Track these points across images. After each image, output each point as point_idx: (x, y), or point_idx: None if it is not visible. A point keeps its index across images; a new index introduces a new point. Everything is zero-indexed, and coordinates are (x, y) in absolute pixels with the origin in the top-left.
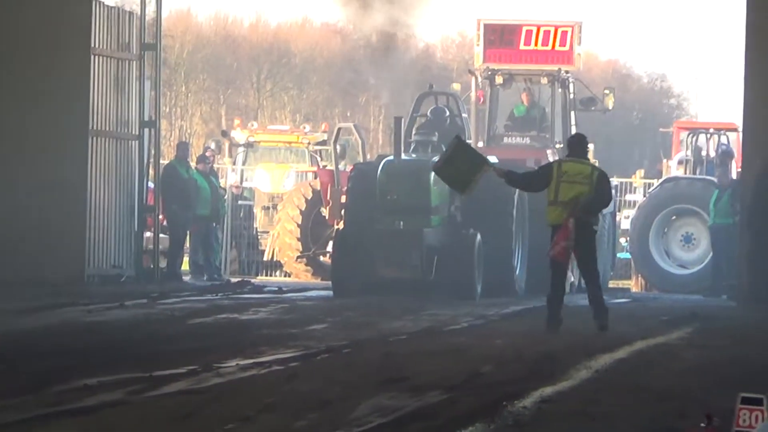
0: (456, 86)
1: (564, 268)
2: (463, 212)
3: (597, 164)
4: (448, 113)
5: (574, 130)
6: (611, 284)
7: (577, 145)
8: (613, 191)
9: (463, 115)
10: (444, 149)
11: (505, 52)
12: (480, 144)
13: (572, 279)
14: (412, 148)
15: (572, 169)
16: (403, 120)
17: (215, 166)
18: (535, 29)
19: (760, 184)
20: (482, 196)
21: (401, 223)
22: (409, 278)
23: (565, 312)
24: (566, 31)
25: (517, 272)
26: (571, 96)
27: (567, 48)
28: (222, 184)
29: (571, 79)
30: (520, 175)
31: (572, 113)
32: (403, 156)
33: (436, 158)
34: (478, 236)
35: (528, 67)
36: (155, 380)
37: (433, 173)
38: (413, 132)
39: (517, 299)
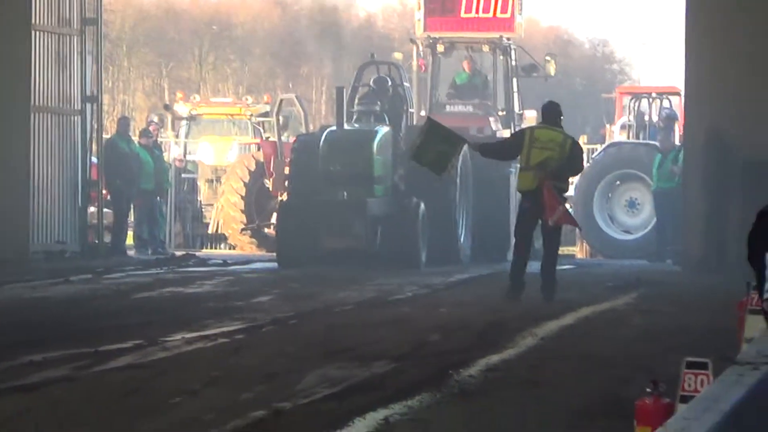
0: (398, 55)
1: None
2: (406, 181)
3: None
4: (390, 83)
5: (516, 98)
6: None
7: (549, 112)
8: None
9: (405, 84)
10: (386, 118)
11: (447, 20)
12: (422, 112)
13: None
14: (354, 118)
15: (544, 135)
16: (345, 90)
17: (159, 139)
18: None
19: (709, 149)
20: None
21: (345, 193)
22: (353, 248)
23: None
24: None
25: (462, 241)
26: (513, 63)
27: (508, 15)
28: (165, 158)
29: (512, 47)
30: (493, 145)
31: (514, 80)
32: (346, 126)
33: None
34: (422, 205)
35: (469, 35)
36: (101, 355)
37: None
38: (356, 102)
39: (462, 267)
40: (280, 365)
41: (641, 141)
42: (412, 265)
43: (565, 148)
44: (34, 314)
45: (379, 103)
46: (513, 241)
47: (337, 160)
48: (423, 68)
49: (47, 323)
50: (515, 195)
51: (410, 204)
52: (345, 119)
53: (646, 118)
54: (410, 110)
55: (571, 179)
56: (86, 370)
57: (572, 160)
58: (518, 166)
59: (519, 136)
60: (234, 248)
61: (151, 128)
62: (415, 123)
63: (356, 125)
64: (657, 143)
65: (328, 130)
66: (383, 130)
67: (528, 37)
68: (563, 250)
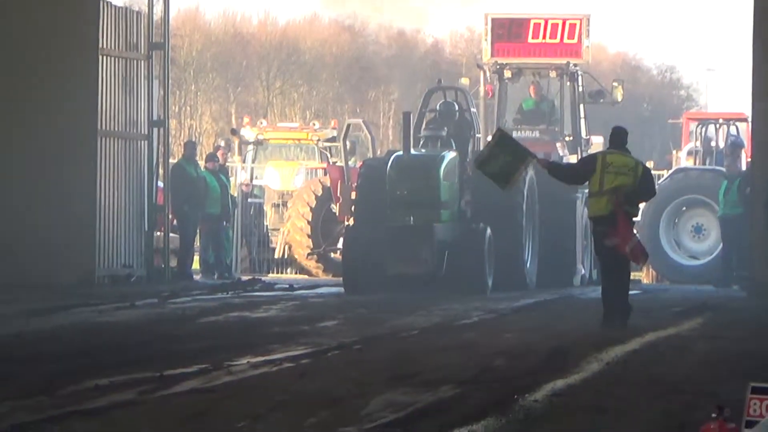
0: (465, 81)
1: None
2: (473, 207)
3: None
4: (457, 108)
5: (583, 123)
6: None
7: (618, 137)
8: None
9: (472, 109)
10: (452, 144)
11: (514, 46)
12: (489, 138)
13: (583, 271)
14: (421, 143)
15: (617, 160)
16: (412, 115)
17: (226, 164)
18: (543, 22)
19: None
20: (492, 191)
21: (411, 218)
22: (419, 273)
23: (576, 304)
24: (574, 24)
25: (528, 266)
26: (580, 89)
27: (575, 41)
28: (232, 183)
29: (579, 72)
30: (563, 167)
31: (581, 106)
32: (413, 151)
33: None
34: (488, 230)
35: (536, 61)
36: (166, 380)
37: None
38: (422, 127)
39: (527, 293)
40: (346, 390)
41: (708, 167)
42: (478, 290)
43: (637, 173)
44: (99, 338)
45: (445, 128)
46: (578, 266)
47: (404, 185)
48: (490, 94)
49: (113, 347)
50: (581, 220)
51: (477, 229)
52: (412, 144)
53: (713, 144)
54: (477, 135)
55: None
56: (152, 394)
57: (645, 185)
58: (585, 191)
59: (590, 161)
60: (300, 273)
61: (218, 153)
62: (481, 148)
63: (423, 150)
64: (723, 169)
65: (394, 155)
66: (450, 155)
67: (595, 62)
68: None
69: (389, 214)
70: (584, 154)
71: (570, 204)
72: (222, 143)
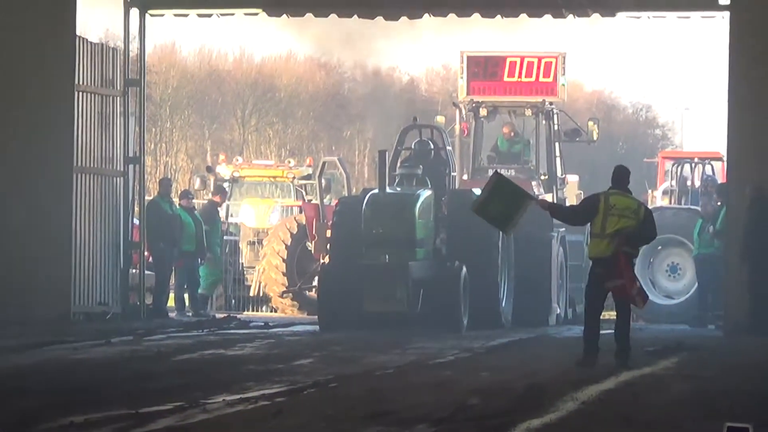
0: (440, 119)
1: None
2: (448, 245)
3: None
4: (432, 146)
5: (559, 162)
6: None
7: (620, 177)
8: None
9: (448, 147)
10: (428, 182)
11: (489, 84)
12: (464, 176)
13: (558, 310)
14: (396, 181)
15: (620, 202)
16: (387, 153)
17: (200, 201)
18: (518, 61)
19: (752, 215)
20: (467, 229)
21: (386, 256)
22: (395, 312)
23: (552, 343)
24: (550, 63)
25: (503, 304)
26: (556, 127)
27: (551, 79)
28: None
29: (555, 111)
30: (565, 208)
31: (557, 144)
32: (388, 189)
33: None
34: (464, 269)
35: (512, 99)
36: (142, 417)
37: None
38: (398, 165)
39: (503, 331)
40: (321, 428)
41: (683, 206)
42: (453, 328)
43: (639, 215)
44: (74, 376)
45: (421, 166)
46: (553, 305)
47: (379, 224)
48: (465, 132)
49: (88, 385)
50: (557, 259)
51: (452, 267)
52: (387, 182)
53: (689, 183)
54: (452, 174)
55: None
56: (127, 431)
57: (647, 227)
58: (561, 229)
59: (593, 201)
60: (276, 311)
61: (196, 187)
62: (457, 186)
63: (398, 188)
64: (699, 209)
65: (370, 193)
66: (425, 193)
67: (571, 100)
68: (604, 315)
69: (365, 252)
70: (559, 193)
71: (545, 243)
72: (197, 181)
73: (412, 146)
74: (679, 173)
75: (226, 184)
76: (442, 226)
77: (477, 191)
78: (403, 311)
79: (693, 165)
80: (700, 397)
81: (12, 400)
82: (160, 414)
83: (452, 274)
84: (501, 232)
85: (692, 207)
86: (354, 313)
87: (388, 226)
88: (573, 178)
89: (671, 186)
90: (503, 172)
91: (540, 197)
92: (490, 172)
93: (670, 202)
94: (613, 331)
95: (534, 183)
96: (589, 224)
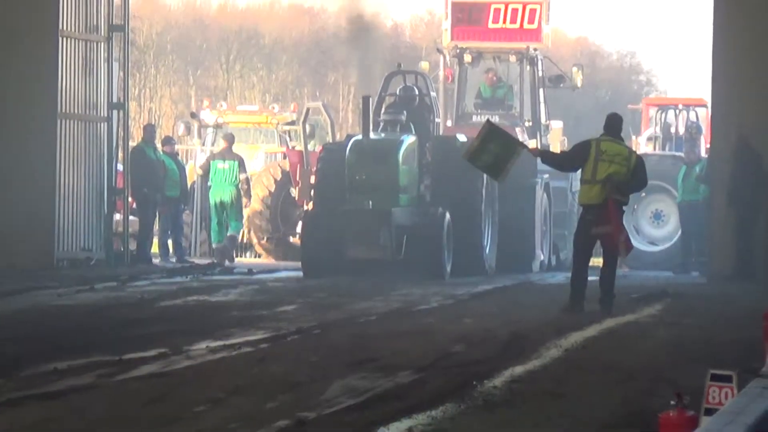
0: (424, 65)
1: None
2: (432, 192)
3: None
4: (417, 92)
5: (543, 108)
6: None
7: (613, 125)
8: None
9: (432, 94)
10: (412, 128)
11: (473, 30)
12: (449, 122)
13: (542, 257)
14: (380, 127)
15: (611, 148)
16: (371, 99)
17: (185, 147)
18: (503, 7)
19: (738, 161)
20: (451, 175)
21: (370, 202)
22: (378, 258)
23: (536, 290)
24: (534, 9)
25: (487, 251)
26: (540, 74)
27: (535, 26)
28: (191, 166)
29: (539, 57)
30: (555, 154)
31: (541, 91)
32: (372, 135)
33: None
34: (447, 215)
35: (496, 45)
36: (125, 364)
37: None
38: (382, 111)
39: (486, 278)
40: (305, 375)
41: (667, 153)
42: (436, 275)
43: (630, 162)
44: (58, 322)
45: (405, 112)
46: (536, 252)
47: (363, 169)
48: (449, 78)
49: (71, 331)
50: (540, 206)
51: (435, 214)
52: (371, 128)
53: (673, 129)
54: (436, 120)
55: None
56: (110, 378)
57: (637, 174)
58: (545, 176)
59: (584, 147)
60: (259, 257)
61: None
62: (441, 133)
63: (382, 134)
64: (682, 155)
65: (353, 139)
66: (409, 139)
67: (556, 47)
68: (592, 262)
69: (348, 198)
70: (543, 140)
71: (529, 190)
72: (181, 126)
73: (397, 92)
74: (663, 120)
75: (210, 130)
76: (426, 172)
77: (461, 137)
78: (386, 257)
79: (677, 111)
80: (683, 344)
81: None
82: (144, 360)
83: (436, 221)
84: (485, 179)
85: (676, 153)
86: (337, 260)
87: (371, 171)
88: (557, 125)
89: (655, 132)
90: (488, 118)
91: (525, 143)
92: (474, 119)
93: (654, 149)
94: (598, 278)
95: (518, 129)
96: (579, 170)
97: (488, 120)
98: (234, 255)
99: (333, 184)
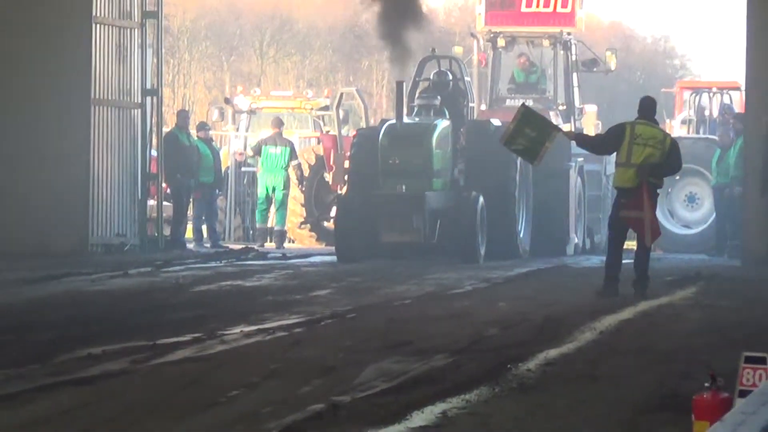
0: (458, 49)
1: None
2: (466, 176)
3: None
4: (450, 77)
5: (576, 92)
6: None
7: (647, 108)
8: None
9: (466, 78)
10: (445, 113)
11: (507, 15)
12: (483, 107)
13: (576, 240)
14: (414, 112)
15: (645, 132)
16: (405, 84)
17: (219, 133)
18: None
19: None
20: (485, 160)
21: (403, 186)
22: (412, 242)
23: (570, 273)
24: None
25: (521, 235)
26: (573, 57)
27: (569, 10)
28: (226, 152)
29: (573, 41)
30: (590, 137)
31: (574, 75)
32: (406, 120)
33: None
34: (481, 199)
35: (530, 30)
36: (159, 348)
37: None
38: (416, 96)
39: (520, 262)
40: (339, 359)
41: (701, 136)
42: (470, 259)
43: (665, 145)
44: (92, 307)
45: (439, 97)
46: (571, 236)
47: (396, 154)
48: (483, 63)
49: (106, 316)
50: (575, 189)
51: (469, 197)
52: (405, 113)
53: (707, 113)
54: (470, 105)
55: None
56: (144, 363)
57: (671, 158)
58: (579, 159)
59: (619, 130)
60: (293, 242)
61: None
62: (475, 117)
63: (416, 119)
64: (716, 138)
65: (387, 123)
66: (442, 123)
67: (590, 32)
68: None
69: (381, 182)
70: (577, 123)
71: (563, 174)
72: (216, 112)
73: (431, 77)
74: (697, 103)
75: (244, 116)
76: (460, 156)
77: (495, 122)
78: (420, 241)
79: (711, 95)
80: (717, 327)
81: (30, 331)
82: (178, 345)
83: (469, 205)
84: (519, 163)
85: (710, 137)
86: (371, 244)
87: (405, 155)
88: (591, 108)
89: (689, 116)
90: (520, 102)
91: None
92: (508, 103)
93: (688, 132)
94: (632, 261)
95: (552, 113)
96: (615, 154)
97: (523, 104)
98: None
99: (366, 169)
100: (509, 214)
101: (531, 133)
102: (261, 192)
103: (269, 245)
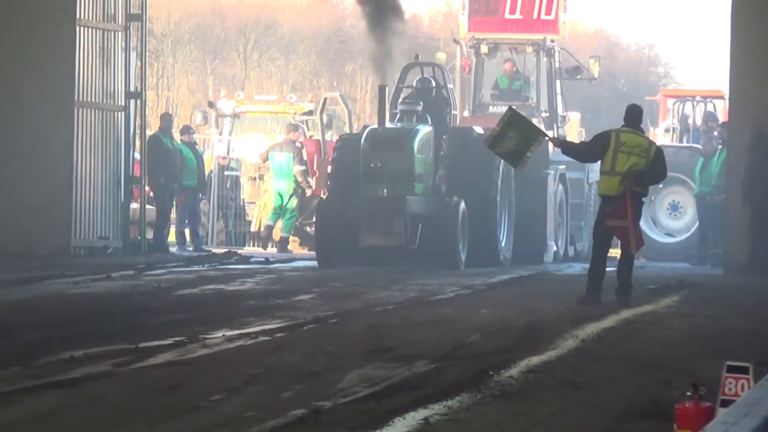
0: (441, 56)
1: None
2: (447, 181)
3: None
4: (434, 84)
5: (560, 100)
6: None
7: (633, 116)
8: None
9: (449, 85)
10: (428, 119)
11: (490, 21)
12: (465, 113)
13: (554, 248)
14: (397, 117)
15: (631, 140)
16: (387, 89)
17: (201, 136)
18: None
19: (753, 151)
20: (467, 166)
21: (384, 190)
22: (393, 246)
23: (552, 280)
24: (551, 0)
25: (503, 243)
26: (557, 65)
27: (552, 17)
28: (209, 155)
29: (556, 48)
30: (576, 145)
31: (558, 82)
32: (388, 125)
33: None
34: (462, 204)
35: (513, 36)
36: (141, 352)
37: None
38: (398, 102)
39: (502, 269)
40: (321, 364)
41: (684, 144)
42: (451, 265)
43: (650, 153)
44: (75, 310)
45: (421, 103)
46: (548, 243)
47: (378, 158)
48: (467, 69)
49: (88, 319)
50: (554, 196)
51: (450, 203)
52: (388, 119)
53: (690, 121)
54: (453, 112)
55: None
56: (127, 366)
57: (656, 166)
58: (560, 167)
59: (604, 138)
60: (276, 246)
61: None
62: (458, 124)
63: (398, 125)
64: (700, 146)
65: (369, 128)
66: (424, 128)
67: (575, 39)
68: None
69: (362, 186)
70: (560, 130)
71: (541, 181)
72: (200, 115)
73: (414, 84)
74: (680, 111)
75: (227, 119)
76: (442, 163)
77: (478, 129)
78: (401, 246)
79: (695, 103)
80: (699, 336)
81: (12, 333)
82: (160, 349)
83: (450, 210)
84: (501, 170)
85: (693, 145)
86: (351, 248)
87: (386, 159)
88: (575, 116)
89: (673, 124)
90: (503, 108)
91: None
92: (491, 109)
93: (672, 140)
94: (614, 269)
95: (535, 120)
96: (600, 162)
97: (511, 107)
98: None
99: (348, 173)
100: (491, 220)
101: (516, 136)
102: (275, 200)
103: (270, 250)
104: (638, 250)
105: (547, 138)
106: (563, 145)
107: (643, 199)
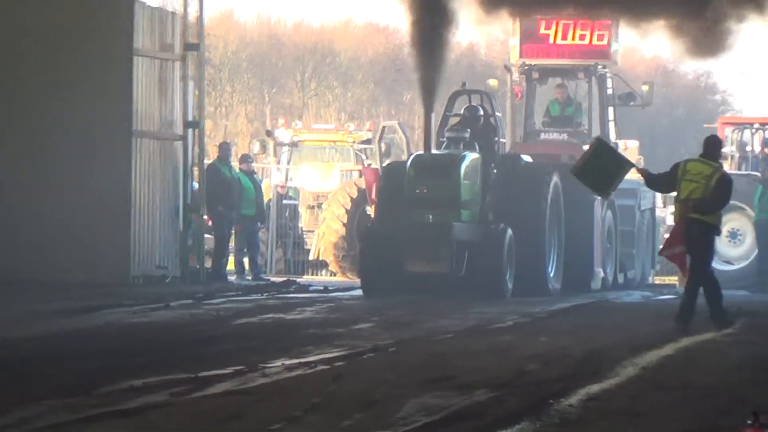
0: (493, 82)
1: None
2: (495, 210)
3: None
4: (481, 112)
5: (612, 126)
6: (657, 280)
7: (708, 146)
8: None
9: (497, 113)
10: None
11: (542, 48)
12: (518, 140)
13: (602, 275)
14: (444, 145)
15: (694, 168)
16: (435, 118)
17: (260, 165)
18: (572, 24)
19: None
20: (515, 194)
21: (430, 216)
22: (437, 272)
23: (611, 308)
24: (604, 26)
25: (552, 273)
26: (609, 91)
27: (604, 43)
28: (267, 184)
29: (608, 74)
30: (656, 176)
31: (610, 109)
32: (434, 151)
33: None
34: (509, 231)
35: (564, 63)
36: (201, 381)
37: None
38: (446, 130)
39: (553, 298)
40: (380, 393)
41: (743, 172)
42: (496, 293)
43: (711, 181)
44: (134, 339)
45: (468, 130)
46: (596, 270)
47: (424, 183)
48: (518, 95)
49: (147, 348)
50: (601, 222)
51: (497, 230)
52: (434, 145)
53: (748, 148)
54: (501, 140)
55: (672, 210)
56: (186, 395)
57: (716, 194)
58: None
59: (674, 168)
60: (335, 275)
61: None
62: (508, 150)
63: (445, 151)
64: (759, 174)
65: (414, 154)
66: (471, 155)
67: (630, 66)
68: (665, 279)
69: (408, 212)
70: None
71: (588, 207)
72: (257, 144)
73: (462, 111)
74: (739, 139)
75: (285, 148)
76: (490, 190)
77: (526, 158)
78: (446, 272)
79: (753, 131)
80: (759, 363)
81: (71, 363)
82: (219, 378)
83: (497, 237)
84: (550, 199)
85: (752, 173)
86: (396, 275)
87: (432, 185)
88: (633, 144)
89: (731, 152)
90: (554, 135)
91: None
92: (543, 136)
93: (730, 168)
94: (673, 297)
95: (585, 147)
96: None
97: (598, 137)
98: None
99: (394, 199)
100: (539, 249)
101: (604, 166)
102: None
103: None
104: (674, 261)
105: (636, 168)
106: (648, 176)
107: (714, 230)
